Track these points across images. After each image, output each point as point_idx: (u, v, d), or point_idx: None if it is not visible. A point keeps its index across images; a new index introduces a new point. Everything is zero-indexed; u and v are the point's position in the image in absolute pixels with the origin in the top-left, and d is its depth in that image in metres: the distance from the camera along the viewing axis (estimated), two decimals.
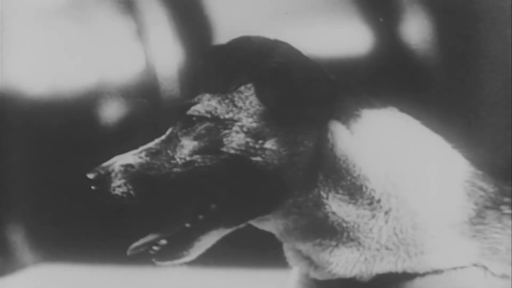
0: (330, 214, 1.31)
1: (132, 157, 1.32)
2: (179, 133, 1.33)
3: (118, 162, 1.32)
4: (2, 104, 2.06)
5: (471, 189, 1.34)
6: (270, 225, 1.34)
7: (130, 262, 2.05)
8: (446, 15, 1.83)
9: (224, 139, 1.29)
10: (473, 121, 1.79)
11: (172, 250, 1.33)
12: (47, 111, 2.08)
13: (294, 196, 1.30)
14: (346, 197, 1.31)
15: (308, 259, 1.37)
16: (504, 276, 1.29)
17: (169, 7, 2.01)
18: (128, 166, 1.31)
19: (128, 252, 1.37)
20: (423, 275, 1.29)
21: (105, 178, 1.32)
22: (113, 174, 1.31)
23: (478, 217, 1.31)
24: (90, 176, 1.33)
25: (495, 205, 1.33)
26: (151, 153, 1.33)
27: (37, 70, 2.09)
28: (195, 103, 1.33)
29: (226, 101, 1.32)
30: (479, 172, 1.37)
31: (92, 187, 1.33)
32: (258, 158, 1.28)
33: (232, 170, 1.29)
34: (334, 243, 1.31)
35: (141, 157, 1.32)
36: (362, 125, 1.34)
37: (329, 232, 1.31)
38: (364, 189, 1.32)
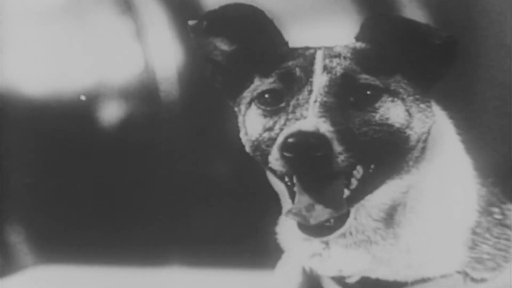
0: (401, 204, 1.31)
1: (323, 124, 1.19)
2: (348, 103, 1.25)
3: (321, 127, 1.18)
4: (1, 104, 2.06)
5: (480, 188, 1.35)
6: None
7: (129, 263, 2.05)
8: (448, 14, 1.83)
9: (393, 112, 1.26)
10: (473, 120, 1.78)
11: (332, 227, 1.24)
12: (46, 112, 2.08)
13: (398, 178, 1.29)
14: (426, 187, 1.31)
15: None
16: (482, 280, 1.30)
17: (168, 8, 2.01)
18: (335, 132, 1.19)
19: (286, 214, 1.26)
20: (412, 284, 1.30)
21: (324, 144, 1.17)
22: (332, 139, 1.18)
23: (478, 225, 1.32)
24: (291, 140, 1.16)
25: (489, 206, 1.34)
26: (333, 121, 1.21)
27: (36, 71, 2.09)
28: (356, 73, 1.27)
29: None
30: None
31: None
32: (411, 133, 1.27)
33: (390, 141, 1.26)
34: (377, 238, 1.31)
35: (332, 124, 1.19)
36: (437, 112, 1.36)
37: (386, 223, 1.31)
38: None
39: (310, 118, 1.21)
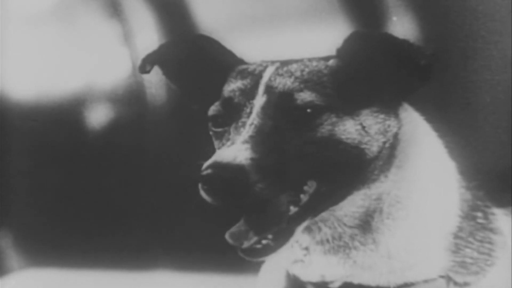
0: (377, 212, 1.30)
1: (244, 152, 1.17)
2: (284, 124, 1.22)
3: (238, 156, 1.16)
4: None
5: (463, 193, 1.35)
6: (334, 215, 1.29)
7: (116, 267, 2.05)
8: (448, 14, 1.83)
9: (339, 128, 1.23)
10: (473, 121, 1.79)
11: (270, 247, 1.23)
12: (34, 115, 2.08)
13: (365, 188, 1.28)
14: (401, 194, 1.30)
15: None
16: (466, 284, 1.30)
17: (155, 12, 2.01)
18: (253, 160, 1.16)
19: (227, 236, 1.26)
20: None
21: (239, 175, 1.15)
22: (248, 169, 1.15)
23: (459, 230, 1.32)
24: (207, 172, 1.15)
25: (472, 211, 1.34)
26: (259, 146, 1.18)
27: (23, 74, 2.09)
28: (294, 92, 1.23)
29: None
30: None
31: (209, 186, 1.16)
32: (367, 147, 1.24)
33: (341, 158, 1.23)
34: (356, 244, 1.31)
35: (254, 151, 1.17)
36: (408, 118, 1.34)
37: (363, 229, 1.30)
38: (411, 190, 1.32)
39: (235, 145, 1.19)
